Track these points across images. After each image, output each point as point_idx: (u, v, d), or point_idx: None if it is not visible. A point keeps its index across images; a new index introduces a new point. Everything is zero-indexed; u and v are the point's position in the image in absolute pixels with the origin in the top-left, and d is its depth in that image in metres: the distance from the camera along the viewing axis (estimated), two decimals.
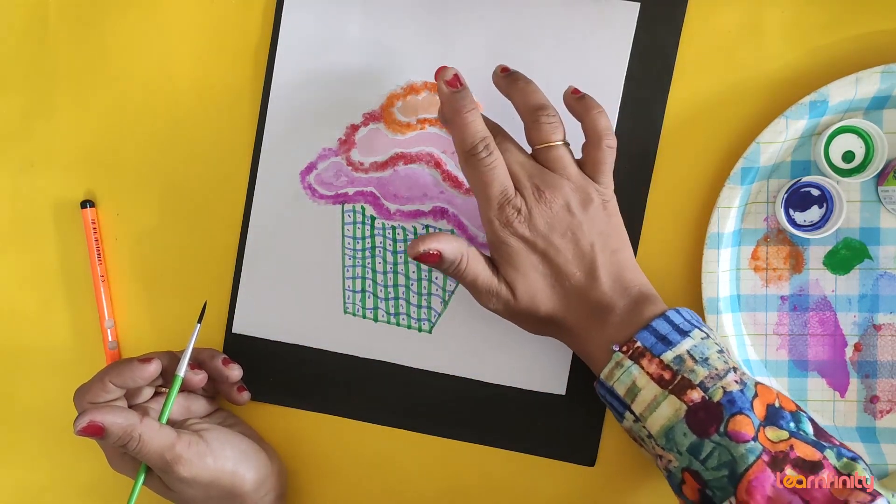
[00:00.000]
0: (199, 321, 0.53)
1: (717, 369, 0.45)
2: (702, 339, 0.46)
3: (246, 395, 0.56)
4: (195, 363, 0.54)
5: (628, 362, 0.46)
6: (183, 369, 0.51)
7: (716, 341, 0.47)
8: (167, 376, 0.53)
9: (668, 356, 0.45)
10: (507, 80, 0.51)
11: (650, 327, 0.47)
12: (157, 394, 0.54)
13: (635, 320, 0.48)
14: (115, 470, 0.53)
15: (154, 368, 0.51)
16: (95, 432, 0.48)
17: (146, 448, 0.48)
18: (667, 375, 0.45)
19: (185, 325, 0.57)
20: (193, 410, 0.55)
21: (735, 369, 0.46)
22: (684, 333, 0.46)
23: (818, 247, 0.54)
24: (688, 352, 0.45)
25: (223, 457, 0.50)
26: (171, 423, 0.52)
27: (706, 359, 0.45)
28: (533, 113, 0.49)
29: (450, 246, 0.48)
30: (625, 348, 0.47)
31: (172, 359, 0.53)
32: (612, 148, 0.50)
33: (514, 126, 0.51)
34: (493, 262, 0.50)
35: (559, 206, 0.48)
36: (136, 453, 0.49)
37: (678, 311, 0.48)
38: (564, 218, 0.48)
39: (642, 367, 0.46)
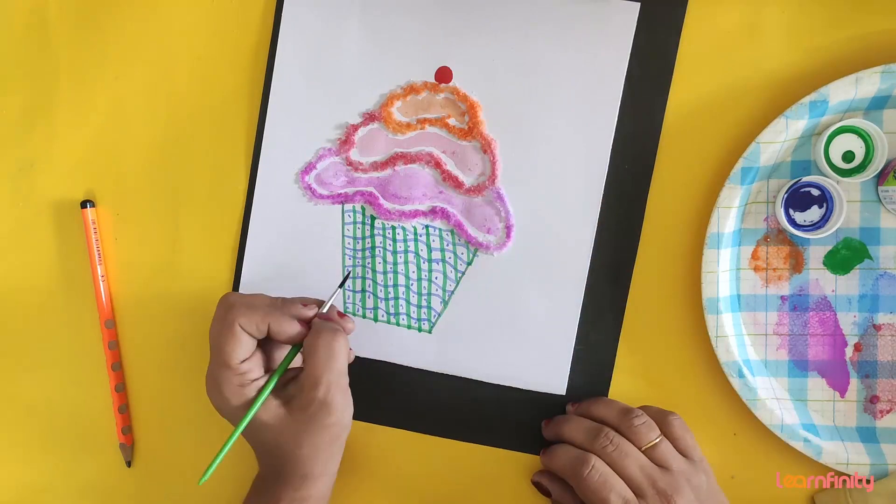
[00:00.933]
0: (341, 286, 0.53)
1: None
2: None
3: (352, 353, 0.53)
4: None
5: None
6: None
7: None
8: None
9: None
10: (562, 421, 0.52)
11: None
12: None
13: None
14: (212, 398, 0.50)
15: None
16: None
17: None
18: None
19: (185, 324, 0.57)
20: None
21: None
22: None
23: (818, 247, 0.54)
24: None
25: (347, 416, 0.49)
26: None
27: None
28: (622, 420, 0.50)
29: None
30: None
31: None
32: (680, 420, 0.50)
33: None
34: None
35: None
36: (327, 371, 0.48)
37: None
38: None
39: None
